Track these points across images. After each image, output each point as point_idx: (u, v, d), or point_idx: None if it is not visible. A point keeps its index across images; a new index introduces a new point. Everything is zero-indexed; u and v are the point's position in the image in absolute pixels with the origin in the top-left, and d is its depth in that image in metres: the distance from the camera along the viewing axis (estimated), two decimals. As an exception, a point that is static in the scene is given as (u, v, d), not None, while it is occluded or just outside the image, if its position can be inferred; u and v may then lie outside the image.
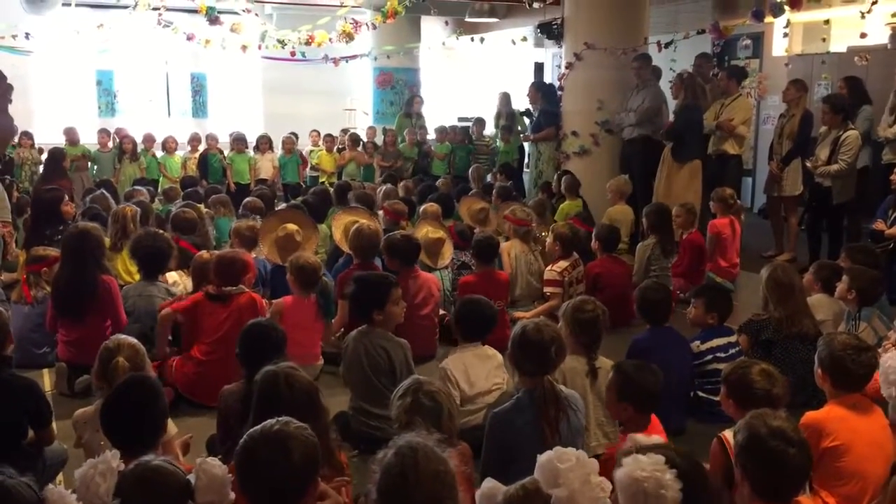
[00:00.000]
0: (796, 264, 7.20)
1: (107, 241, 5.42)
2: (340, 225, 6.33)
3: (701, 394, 4.33)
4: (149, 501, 2.16)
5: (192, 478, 2.20)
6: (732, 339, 4.42)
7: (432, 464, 2.02)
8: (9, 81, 6.39)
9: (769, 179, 7.92)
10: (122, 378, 3.17)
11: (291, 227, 5.80)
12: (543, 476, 1.95)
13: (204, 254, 5.11)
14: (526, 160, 11.06)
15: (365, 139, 11.99)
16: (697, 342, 4.40)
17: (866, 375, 3.13)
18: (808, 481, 2.91)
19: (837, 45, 9.76)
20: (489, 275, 5.55)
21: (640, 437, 2.35)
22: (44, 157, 9.75)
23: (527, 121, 10.82)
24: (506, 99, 11.43)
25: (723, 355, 4.33)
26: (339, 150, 11.79)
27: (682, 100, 8.04)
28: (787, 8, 7.60)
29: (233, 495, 2.20)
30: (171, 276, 5.48)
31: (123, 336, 3.49)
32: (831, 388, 3.17)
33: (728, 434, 2.97)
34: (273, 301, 5.06)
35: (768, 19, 8.24)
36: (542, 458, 1.99)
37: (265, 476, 2.14)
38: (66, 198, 6.66)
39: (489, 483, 2.08)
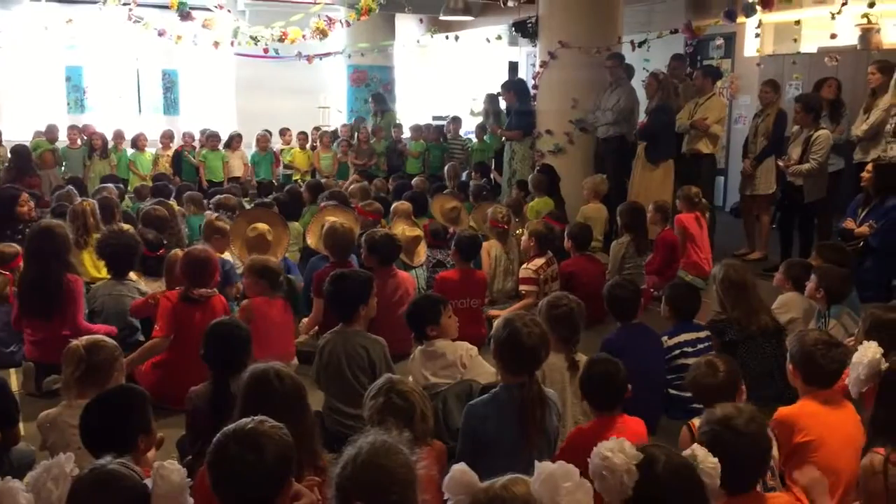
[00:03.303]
0: (768, 263, 7.27)
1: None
2: (316, 227, 6.26)
3: (672, 391, 4.31)
4: None
5: (149, 482, 2.12)
6: (702, 334, 4.43)
7: (372, 456, 2.00)
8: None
9: (743, 178, 7.97)
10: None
11: (262, 226, 5.74)
12: (542, 487, 1.88)
13: (178, 252, 5.03)
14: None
15: (340, 137, 11.94)
16: (665, 337, 4.41)
17: (837, 371, 3.14)
18: (779, 475, 2.94)
19: (808, 45, 9.86)
20: (468, 273, 5.54)
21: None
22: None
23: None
24: (492, 99, 11.39)
25: (691, 350, 4.34)
26: (313, 148, 11.74)
27: (656, 100, 8.08)
28: (758, 8, 7.67)
29: (191, 501, 2.12)
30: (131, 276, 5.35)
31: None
32: (802, 384, 3.19)
33: (696, 422, 3.01)
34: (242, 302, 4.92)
35: (740, 19, 8.31)
36: (544, 469, 1.89)
37: (237, 476, 2.09)
38: (26, 197, 6.41)
39: (460, 467, 1.96)
